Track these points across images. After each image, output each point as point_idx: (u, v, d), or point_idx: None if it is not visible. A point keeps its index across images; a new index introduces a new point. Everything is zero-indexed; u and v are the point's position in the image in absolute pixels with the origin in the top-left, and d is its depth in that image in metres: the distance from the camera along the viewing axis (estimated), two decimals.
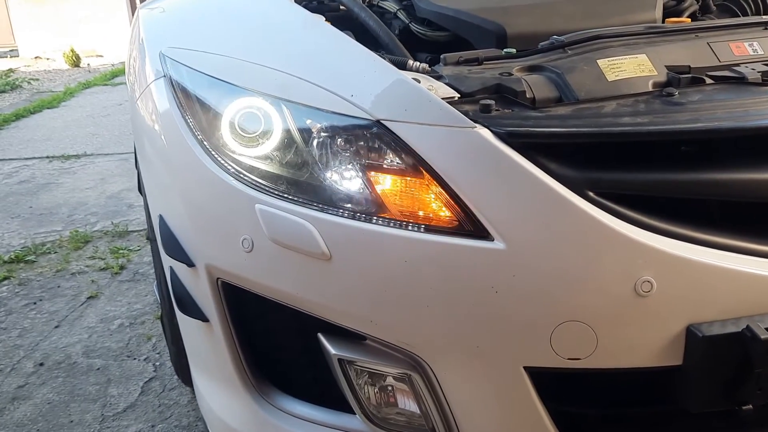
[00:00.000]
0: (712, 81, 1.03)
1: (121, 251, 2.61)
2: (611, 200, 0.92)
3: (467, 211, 0.93)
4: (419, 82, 1.01)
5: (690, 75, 1.03)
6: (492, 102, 0.97)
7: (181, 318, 1.19)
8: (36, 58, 9.40)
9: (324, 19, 1.22)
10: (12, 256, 2.61)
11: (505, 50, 1.14)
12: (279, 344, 1.13)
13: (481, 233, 0.92)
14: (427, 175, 0.95)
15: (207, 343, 1.17)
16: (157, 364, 1.86)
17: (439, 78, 1.04)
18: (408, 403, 1.04)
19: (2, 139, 4.60)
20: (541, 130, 0.93)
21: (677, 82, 1.02)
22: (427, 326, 0.97)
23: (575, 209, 0.89)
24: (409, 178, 0.97)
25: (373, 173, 0.98)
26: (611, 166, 0.93)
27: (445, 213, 0.95)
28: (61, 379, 1.81)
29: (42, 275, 2.46)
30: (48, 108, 5.62)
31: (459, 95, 1.00)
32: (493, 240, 0.91)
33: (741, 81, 1.02)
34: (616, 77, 1.02)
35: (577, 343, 0.92)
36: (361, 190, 0.98)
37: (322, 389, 1.10)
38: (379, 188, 0.98)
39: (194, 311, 1.15)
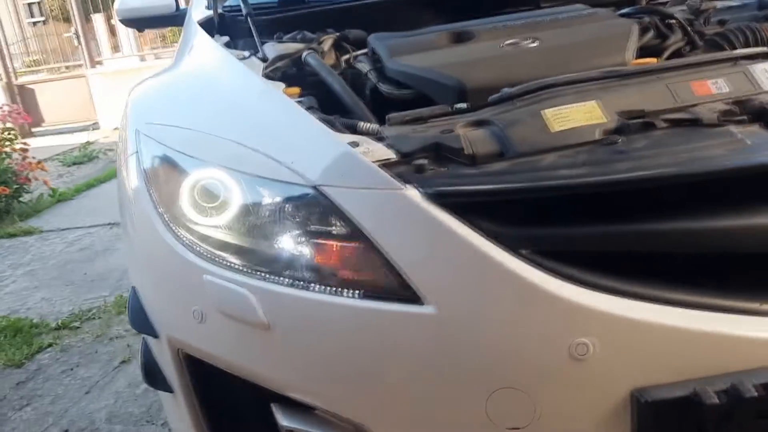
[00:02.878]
0: (665, 125, 0.97)
1: None
2: (548, 258, 0.87)
3: (400, 276, 0.90)
4: (359, 145, 1.00)
5: (641, 120, 0.98)
6: (425, 162, 0.95)
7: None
8: (115, 129, 9.98)
9: (284, 87, 1.23)
10: (59, 323, 2.73)
11: (456, 106, 1.12)
12: (239, 415, 1.12)
13: (414, 298, 0.89)
14: (361, 240, 0.93)
15: (174, 414, 1.17)
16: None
17: (381, 139, 1.03)
18: None
19: (71, 209, 4.87)
20: (469, 189, 0.90)
21: (627, 128, 0.97)
22: (367, 396, 0.94)
23: (504, 270, 0.86)
24: (344, 244, 0.96)
25: (310, 239, 0.98)
26: (546, 222, 0.89)
27: (379, 278, 0.92)
28: None
29: (83, 341, 2.56)
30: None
31: (397, 156, 0.98)
32: (424, 305, 0.88)
33: (695, 123, 0.96)
34: (561, 127, 0.98)
35: (515, 411, 0.87)
36: (299, 257, 0.98)
37: None
38: (316, 254, 0.97)
39: (161, 383, 1.17)
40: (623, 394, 0.84)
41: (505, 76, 1.17)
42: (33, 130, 9.36)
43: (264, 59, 1.42)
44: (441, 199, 0.89)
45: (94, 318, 2.75)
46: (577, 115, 0.99)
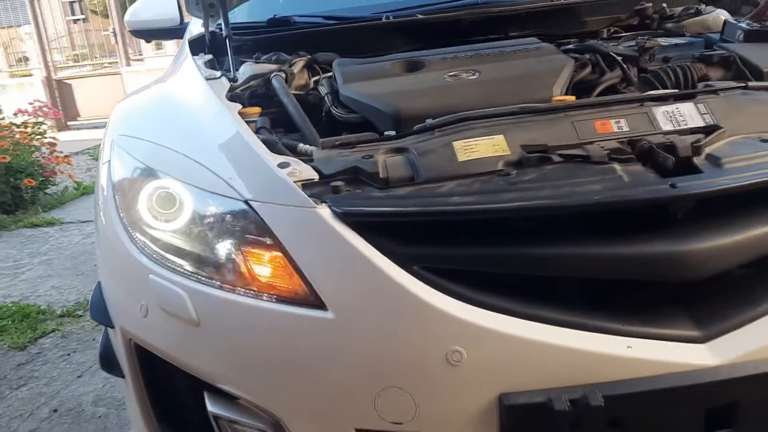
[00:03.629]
0: (559, 159, 1.08)
1: None
2: (435, 274, 0.99)
3: (307, 283, 1.02)
4: (289, 165, 1.12)
5: (538, 154, 1.09)
6: (341, 183, 1.07)
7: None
8: None
9: (240, 108, 1.36)
10: (64, 311, 2.90)
11: (386, 133, 1.24)
12: (180, 401, 1.25)
13: (319, 304, 1.01)
14: (280, 251, 1.06)
15: (127, 398, 1.31)
16: None
17: (309, 161, 1.15)
18: None
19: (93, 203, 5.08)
20: (370, 210, 1.02)
21: (526, 161, 1.08)
22: (278, 390, 1.06)
23: (393, 283, 0.97)
24: (266, 252, 1.08)
25: (238, 247, 1.10)
26: (435, 243, 1.00)
27: (292, 286, 1.05)
28: (67, 425, 2.02)
29: (83, 329, 2.73)
30: None
31: (319, 177, 1.10)
32: (327, 310, 1.00)
33: (586, 159, 1.06)
34: (467, 158, 1.09)
35: (399, 408, 0.98)
36: (229, 263, 1.10)
37: None
38: (243, 261, 1.09)
39: (116, 369, 1.30)
40: (492, 397, 0.95)
41: (439, 106, 1.28)
42: (69, 123, 9.72)
43: (233, 79, 1.56)
44: (347, 218, 1.01)
45: None
46: (484, 147, 1.11)
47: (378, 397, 0.98)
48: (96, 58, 11.06)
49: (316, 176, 1.10)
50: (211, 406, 1.14)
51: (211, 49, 1.88)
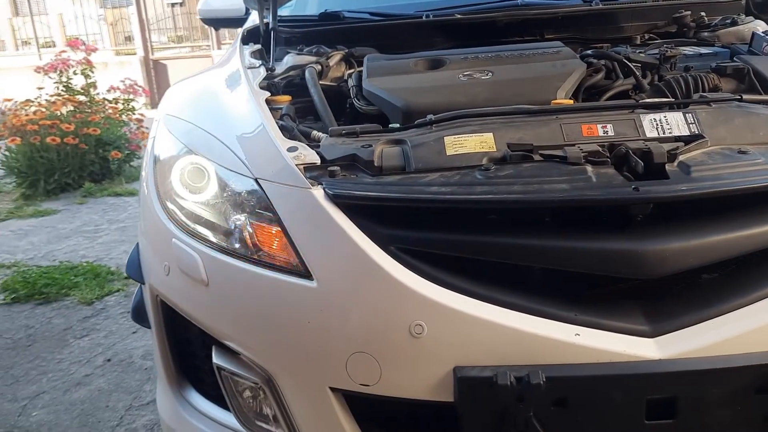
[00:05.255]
0: (539, 158, 1.16)
1: None
2: (409, 255, 1.09)
3: (299, 255, 1.15)
4: (297, 149, 1.25)
5: (521, 152, 1.17)
6: (337, 168, 1.19)
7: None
8: None
9: (269, 96, 1.50)
10: None
11: (390, 125, 1.34)
12: (194, 351, 1.41)
13: (306, 274, 1.14)
14: (278, 225, 1.19)
15: (153, 348, 1.48)
16: None
17: (316, 147, 1.28)
18: (265, 410, 1.26)
19: None
20: (358, 193, 1.13)
21: (509, 158, 1.17)
22: (270, 348, 1.20)
23: (370, 260, 1.08)
24: (268, 226, 1.21)
25: (247, 220, 1.24)
26: (411, 227, 1.11)
27: (287, 256, 1.18)
28: (116, 374, 2.24)
29: None
30: None
31: (321, 162, 1.23)
32: (312, 280, 1.13)
33: (563, 160, 1.14)
34: (455, 152, 1.19)
35: (366, 371, 1.09)
36: (237, 233, 1.24)
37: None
38: (248, 232, 1.23)
39: (145, 320, 1.48)
40: (448, 369, 1.05)
41: (446, 103, 1.38)
42: None
43: (270, 69, 1.70)
44: (337, 199, 1.13)
45: None
46: (472, 143, 1.20)
47: (349, 360, 1.10)
48: (196, 39, 11.59)
49: (318, 160, 1.22)
50: (216, 359, 1.28)
51: (264, 39, 2.03)
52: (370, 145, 1.24)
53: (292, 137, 1.32)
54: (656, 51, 1.64)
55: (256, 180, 1.24)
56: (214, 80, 1.76)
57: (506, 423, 1.03)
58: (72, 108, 5.18)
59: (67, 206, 4.62)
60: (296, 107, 1.57)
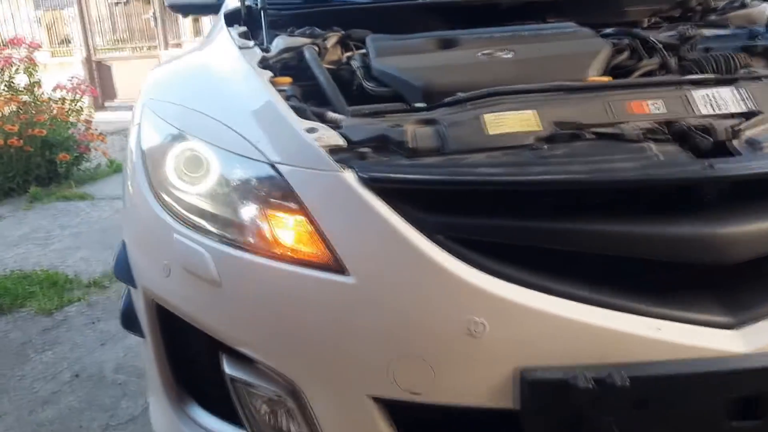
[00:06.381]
0: (591, 137, 1.06)
1: None
2: (459, 244, 0.97)
3: (330, 247, 1.02)
4: (316, 131, 1.12)
5: (571, 131, 1.06)
6: (368, 150, 1.06)
7: (137, 339, 1.35)
8: None
9: (269, 77, 1.36)
10: (91, 281, 2.94)
11: (415, 105, 1.22)
12: (197, 361, 1.25)
13: (340, 269, 1.00)
14: (302, 214, 1.05)
15: (146, 358, 1.32)
16: None
17: (337, 128, 1.14)
18: (288, 425, 1.12)
19: None
20: (397, 176, 1.00)
21: (557, 137, 1.06)
22: (295, 355, 1.06)
23: (417, 251, 0.96)
24: (291, 216, 1.07)
25: (263, 210, 1.10)
26: (461, 212, 0.99)
27: (314, 249, 1.04)
28: (87, 390, 2.04)
29: (108, 299, 2.76)
30: None
31: (346, 144, 1.09)
32: (348, 275, 1.00)
33: (618, 138, 1.04)
34: (497, 131, 1.07)
35: (417, 377, 0.97)
36: (251, 225, 1.10)
37: (231, 405, 1.20)
38: (265, 224, 1.09)
39: (137, 328, 1.31)
40: (511, 371, 0.94)
41: (470, 82, 1.26)
42: (105, 104, 9.87)
43: (266, 50, 1.55)
44: (372, 183, 1.00)
45: None
46: (514, 122, 1.09)
47: (395, 365, 0.97)
48: (136, 42, 11.19)
49: (343, 142, 1.09)
50: (228, 369, 1.14)
51: (246, 22, 1.88)
52: (400, 125, 1.12)
53: (305, 119, 1.18)
54: (674, 32, 1.57)
55: (272, 165, 1.09)
56: (201, 62, 1.60)
57: (581, 430, 0.92)
58: (15, 108, 4.86)
59: (12, 212, 4.32)
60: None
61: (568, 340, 0.92)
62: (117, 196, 4.56)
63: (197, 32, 10.80)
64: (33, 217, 4.16)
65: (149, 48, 10.58)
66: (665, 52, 1.44)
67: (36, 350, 2.34)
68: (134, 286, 1.29)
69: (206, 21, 10.59)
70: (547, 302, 0.93)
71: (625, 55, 1.43)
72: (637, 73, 1.40)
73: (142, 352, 1.34)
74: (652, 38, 1.44)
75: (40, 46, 5.66)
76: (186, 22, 10.77)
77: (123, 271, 1.32)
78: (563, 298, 0.94)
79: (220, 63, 1.49)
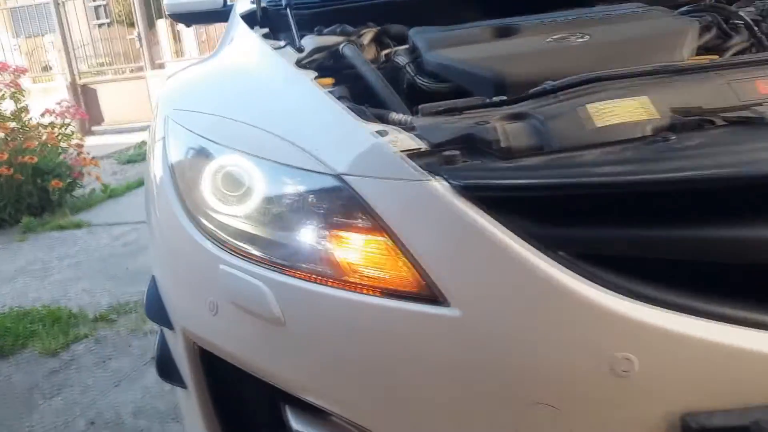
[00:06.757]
0: (724, 123, 0.88)
1: None
2: (589, 262, 0.79)
3: (422, 273, 0.83)
4: (386, 134, 0.94)
5: (698, 118, 0.89)
6: (457, 153, 0.87)
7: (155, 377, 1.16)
8: None
9: (314, 77, 1.18)
10: (97, 315, 2.74)
11: (494, 98, 1.05)
12: (254, 415, 1.06)
13: (437, 299, 0.82)
14: (384, 234, 0.87)
15: (187, 410, 1.12)
16: None
17: (410, 129, 0.96)
18: None
19: (121, 205, 4.94)
20: (502, 183, 0.82)
21: (681, 125, 0.88)
22: (385, 404, 0.87)
23: (538, 272, 0.78)
24: (366, 236, 0.89)
25: (331, 230, 0.91)
26: (587, 222, 0.81)
27: (401, 276, 0.86)
28: None
29: (118, 334, 2.55)
30: None
31: (426, 147, 0.91)
32: (449, 306, 0.81)
33: (760, 122, 0.87)
34: (606, 122, 0.90)
35: (549, 430, 0.78)
36: (319, 250, 0.92)
37: None
38: (337, 248, 0.91)
39: (176, 377, 1.12)
40: (672, 418, 0.75)
41: (549, 70, 1.09)
42: (93, 128, 9.63)
43: (299, 49, 1.38)
44: (470, 193, 0.82)
45: (131, 312, 2.75)
46: (625, 111, 0.91)
47: (519, 417, 0.79)
48: (119, 64, 10.98)
49: (421, 145, 0.91)
50: (295, 423, 0.95)
51: (264, 23, 1.71)
52: (487, 122, 0.94)
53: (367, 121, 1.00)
54: (751, 8, 1.41)
55: (338, 176, 0.91)
56: (228, 66, 1.42)
57: None
58: (3, 135, 4.65)
59: (5, 245, 4.10)
60: None
61: (744, 374, 0.74)
62: (115, 222, 4.36)
63: (178, 53, 10.62)
64: (28, 249, 3.94)
65: (131, 70, 10.37)
66: (756, 29, 1.27)
67: (44, 396, 2.13)
68: (171, 327, 1.10)
69: (188, 41, 10.44)
70: (711, 329, 0.75)
71: (713, 32, 1.26)
72: (729, 53, 1.23)
73: (182, 404, 1.15)
74: (743, 14, 1.27)
75: (26, 71, 5.44)
76: (166, 44, 10.59)
77: (155, 310, 1.13)
78: (730, 324, 0.75)
79: (253, 66, 1.31)
